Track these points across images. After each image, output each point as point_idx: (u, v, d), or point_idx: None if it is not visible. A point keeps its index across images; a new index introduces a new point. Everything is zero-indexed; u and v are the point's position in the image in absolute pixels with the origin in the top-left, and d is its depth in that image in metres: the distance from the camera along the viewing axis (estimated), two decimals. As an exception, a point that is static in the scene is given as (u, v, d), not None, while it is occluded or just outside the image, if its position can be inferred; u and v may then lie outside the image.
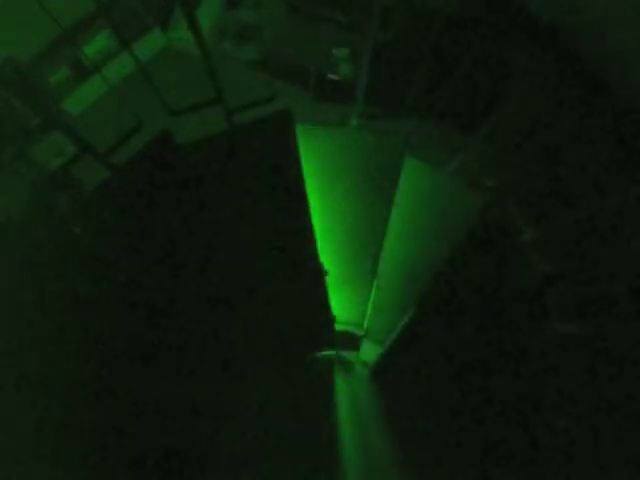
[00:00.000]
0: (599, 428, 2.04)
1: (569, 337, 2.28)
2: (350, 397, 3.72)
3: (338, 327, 3.67)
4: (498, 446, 2.49)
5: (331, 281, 3.30)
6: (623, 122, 2.29)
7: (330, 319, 3.51)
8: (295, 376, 3.63)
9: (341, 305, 3.58)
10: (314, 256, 3.05)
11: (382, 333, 3.64)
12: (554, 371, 2.28)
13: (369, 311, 3.58)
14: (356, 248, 3.35)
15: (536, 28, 2.49)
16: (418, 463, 2.79)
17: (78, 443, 2.24)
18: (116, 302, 2.63)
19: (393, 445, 3.10)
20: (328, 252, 3.27)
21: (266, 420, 3.20)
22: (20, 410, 2.06)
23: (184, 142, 2.49)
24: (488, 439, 2.58)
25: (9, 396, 2.04)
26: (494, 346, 2.68)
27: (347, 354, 3.92)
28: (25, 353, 2.13)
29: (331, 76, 2.82)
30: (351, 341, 3.73)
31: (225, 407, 3.15)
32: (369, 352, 3.96)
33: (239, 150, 2.66)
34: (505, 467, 2.36)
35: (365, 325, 3.61)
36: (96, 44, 2.54)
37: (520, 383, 2.56)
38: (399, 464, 2.92)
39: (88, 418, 2.35)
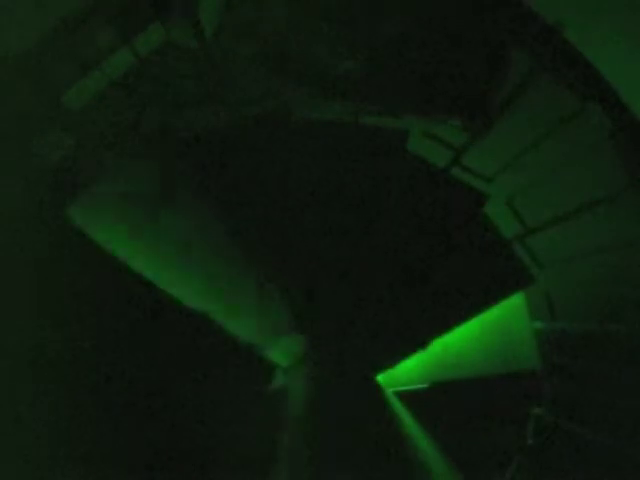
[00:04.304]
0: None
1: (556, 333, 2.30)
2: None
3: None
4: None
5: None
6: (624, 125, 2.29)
7: (395, 364, 3.71)
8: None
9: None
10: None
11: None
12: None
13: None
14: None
15: (539, 27, 2.48)
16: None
17: (80, 443, 2.25)
18: (116, 301, 2.63)
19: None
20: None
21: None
22: (23, 411, 2.07)
23: (183, 138, 2.49)
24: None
25: (11, 396, 2.05)
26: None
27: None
28: (24, 352, 2.14)
29: (332, 72, 2.81)
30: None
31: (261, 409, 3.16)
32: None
33: (239, 146, 2.66)
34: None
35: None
36: (96, 38, 2.52)
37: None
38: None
39: (90, 418, 2.36)
